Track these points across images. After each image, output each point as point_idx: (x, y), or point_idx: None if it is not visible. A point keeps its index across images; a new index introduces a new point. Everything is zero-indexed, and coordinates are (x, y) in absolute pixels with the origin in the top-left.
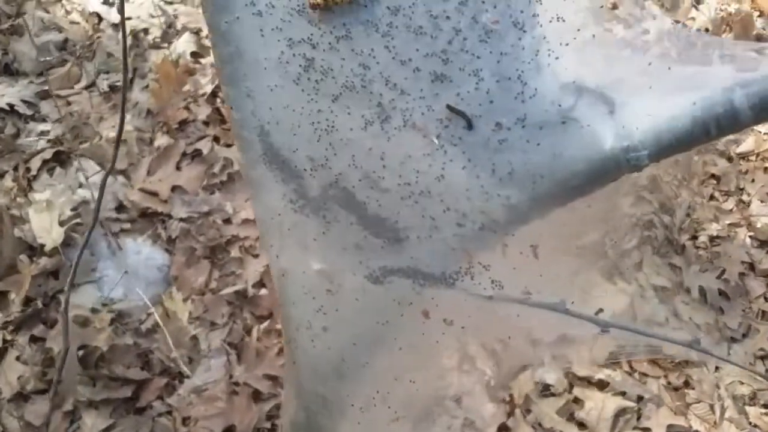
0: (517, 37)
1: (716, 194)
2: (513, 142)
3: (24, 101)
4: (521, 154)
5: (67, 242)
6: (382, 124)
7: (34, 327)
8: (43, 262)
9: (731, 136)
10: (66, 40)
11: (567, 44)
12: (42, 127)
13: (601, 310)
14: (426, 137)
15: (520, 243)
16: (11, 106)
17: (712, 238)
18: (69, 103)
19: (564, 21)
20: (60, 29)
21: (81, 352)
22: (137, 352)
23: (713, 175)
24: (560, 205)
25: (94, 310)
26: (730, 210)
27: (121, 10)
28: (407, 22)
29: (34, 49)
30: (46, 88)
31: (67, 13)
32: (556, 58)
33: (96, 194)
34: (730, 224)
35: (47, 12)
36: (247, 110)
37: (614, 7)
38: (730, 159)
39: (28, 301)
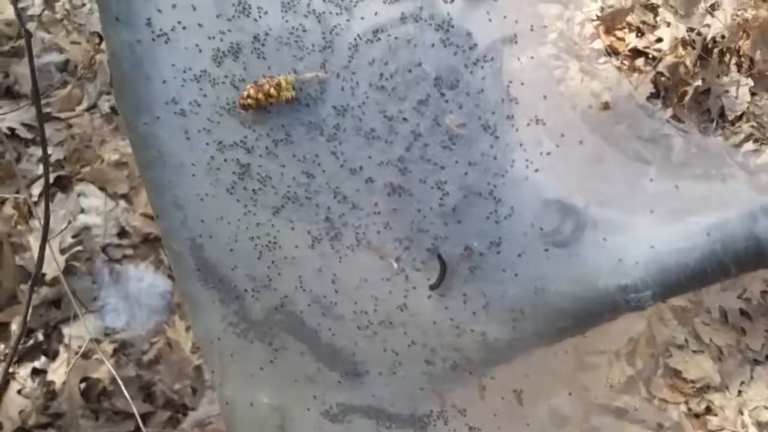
0: (488, 144)
1: None
2: (487, 271)
3: (24, 125)
4: (497, 285)
5: (69, 270)
6: (331, 241)
7: (35, 359)
8: (44, 291)
9: (749, 146)
10: (67, 61)
11: (549, 153)
12: None
13: None
14: (384, 259)
15: (501, 386)
16: (12, 130)
17: None
18: (70, 126)
19: (545, 124)
20: (61, 50)
21: (83, 385)
22: (140, 384)
23: None
24: (547, 345)
25: (96, 341)
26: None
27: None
28: (357, 124)
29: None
30: (48, 110)
31: (68, 33)
32: (536, 170)
33: (99, 221)
34: None
35: (49, 32)
36: (175, 221)
37: (605, 107)
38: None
39: (29, 332)
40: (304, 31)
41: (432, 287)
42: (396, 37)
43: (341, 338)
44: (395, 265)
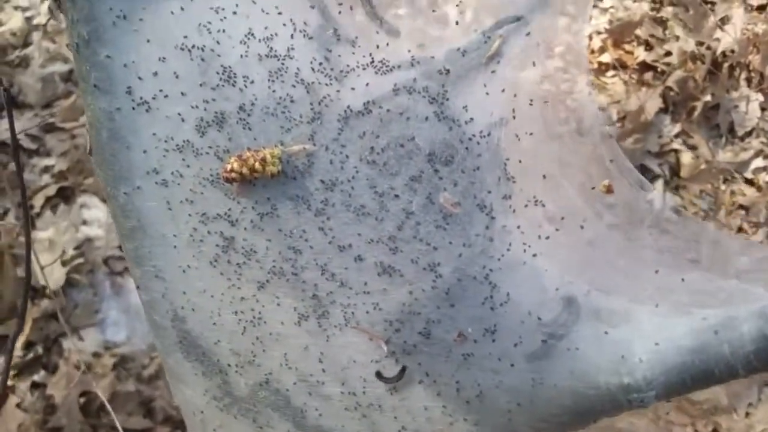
0: (483, 225)
1: (745, 225)
2: (481, 359)
3: (29, 135)
4: (491, 374)
5: (70, 283)
6: (318, 320)
7: (35, 373)
8: (45, 304)
9: (759, 162)
10: (71, 71)
11: (548, 237)
12: (46, 161)
13: None
14: (373, 341)
15: None
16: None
17: None
18: (74, 137)
19: (544, 206)
20: (66, 59)
21: (83, 400)
22: (140, 399)
23: (741, 206)
24: None
25: (96, 355)
26: (760, 242)
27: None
28: (346, 200)
29: (40, 82)
30: (52, 120)
31: None
32: (534, 255)
33: (101, 233)
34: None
35: (54, 42)
36: (156, 292)
37: (609, 190)
38: (759, 188)
39: (29, 345)
40: (292, 101)
41: (378, 374)
42: (388, 110)
43: (328, 419)
44: (384, 347)
